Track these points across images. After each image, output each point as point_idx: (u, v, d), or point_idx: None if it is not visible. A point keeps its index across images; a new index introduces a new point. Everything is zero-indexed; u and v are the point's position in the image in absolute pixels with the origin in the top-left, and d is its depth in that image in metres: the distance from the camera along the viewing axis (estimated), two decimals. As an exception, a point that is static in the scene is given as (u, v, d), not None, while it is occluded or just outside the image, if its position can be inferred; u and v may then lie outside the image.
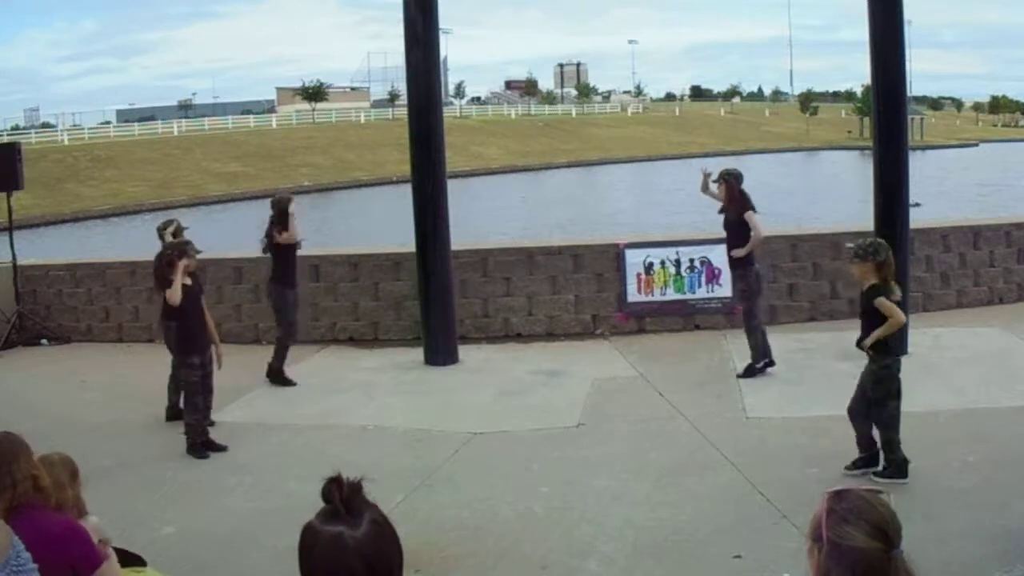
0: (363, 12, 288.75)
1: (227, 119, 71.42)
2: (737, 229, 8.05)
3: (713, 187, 8.40)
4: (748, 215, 7.97)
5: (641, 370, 8.52)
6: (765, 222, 8.35)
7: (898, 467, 5.59)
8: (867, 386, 5.74)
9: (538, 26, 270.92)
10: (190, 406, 6.94)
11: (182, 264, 6.79)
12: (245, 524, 5.52)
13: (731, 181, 8.11)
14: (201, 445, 6.86)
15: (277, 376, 8.61)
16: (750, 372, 8.12)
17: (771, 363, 8.17)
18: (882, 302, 5.59)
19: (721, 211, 8.28)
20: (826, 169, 60.06)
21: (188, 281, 6.90)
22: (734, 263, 8.15)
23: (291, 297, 8.68)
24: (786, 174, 50.86)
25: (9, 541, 2.54)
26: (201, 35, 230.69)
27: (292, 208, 8.46)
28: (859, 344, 5.75)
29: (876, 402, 5.69)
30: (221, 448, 6.90)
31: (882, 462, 5.69)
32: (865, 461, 5.79)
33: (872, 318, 5.65)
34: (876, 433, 5.74)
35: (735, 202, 8.08)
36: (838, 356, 8.61)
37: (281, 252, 8.52)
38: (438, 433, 7.09)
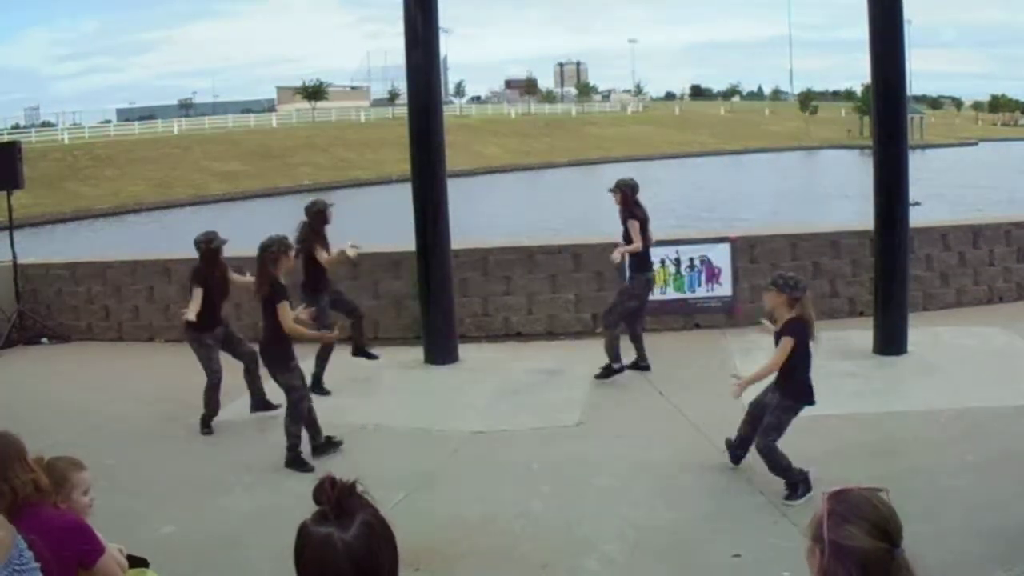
0: (363, 11, 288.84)
1: (227, 118, 71.47)
2: (627, 237, 8.15)
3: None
4: (630, 223, 8.07)
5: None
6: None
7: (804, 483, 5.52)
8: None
9: (538, 25, 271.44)
10: (298, 414, 6.47)
11: (288, 259, 6.43)
12: (245, 523, 5.53)
13: (625, 190, 8.20)
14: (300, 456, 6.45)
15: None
16: (607, 373, 8.17)
17: (622, 369, 8.20)
18: (785, 342, 5.46)
19: (623, 221, 8.31)
20: (811, 169, 60.10)
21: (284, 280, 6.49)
22: (630, 266, 8.25)
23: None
24: (759, 177, 50.69)
25: (12, 540, 2.54)
26: (201, 34, 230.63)
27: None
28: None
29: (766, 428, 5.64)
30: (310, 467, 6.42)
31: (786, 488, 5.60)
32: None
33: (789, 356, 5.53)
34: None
35: (625, 210, 8.18)
36: (838, 356, 8.61)
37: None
38: (438, 432, 7.09)
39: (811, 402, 5.62)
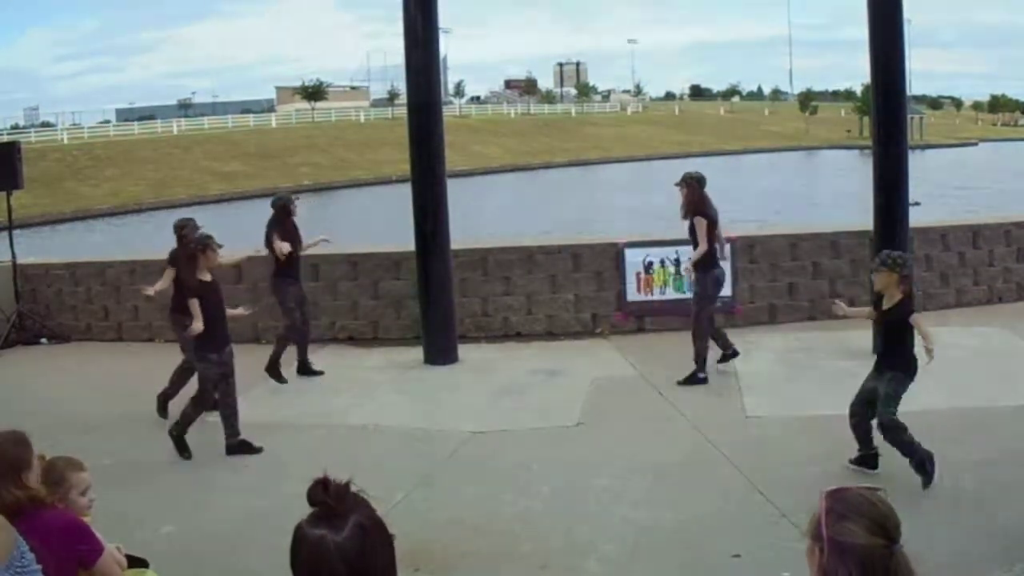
0: (362, 11, 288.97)
1: (227, 118, 71.47)
2: (693, 234, 7.95)
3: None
4: (696, 221, 7.81)
5: (640, 369, 8.52)
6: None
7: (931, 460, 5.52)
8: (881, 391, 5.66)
9: (538, 26, 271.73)
10: (200, 400, 6.75)
11: (206, 257, 6.67)
12: (244, 523, 5.52)
13: (693, 184, 7.91)
14: (181, 441, 6.78)
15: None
16: (692, 380, 7.96)
17: (705, 379, 8.02)
18: (919, 320, 5.61)
19: (684, 216, 8.04)
20: (810, 170, 60.04)
21: (208, 277, 6.74)
22: (695, 266, 7.99)
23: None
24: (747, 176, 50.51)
25: (13, 542, 2.54)
26: (201, 34, 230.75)
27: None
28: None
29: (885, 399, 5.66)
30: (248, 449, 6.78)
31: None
32: (862, 459, 5.82)
33: (903, 334, 5.63)
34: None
35: (690, 205, 7.91)
36: (838, 355, 8.62)
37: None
38: (438, 432, 7.09)
39: (916, 373, 5.67)
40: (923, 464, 5.48)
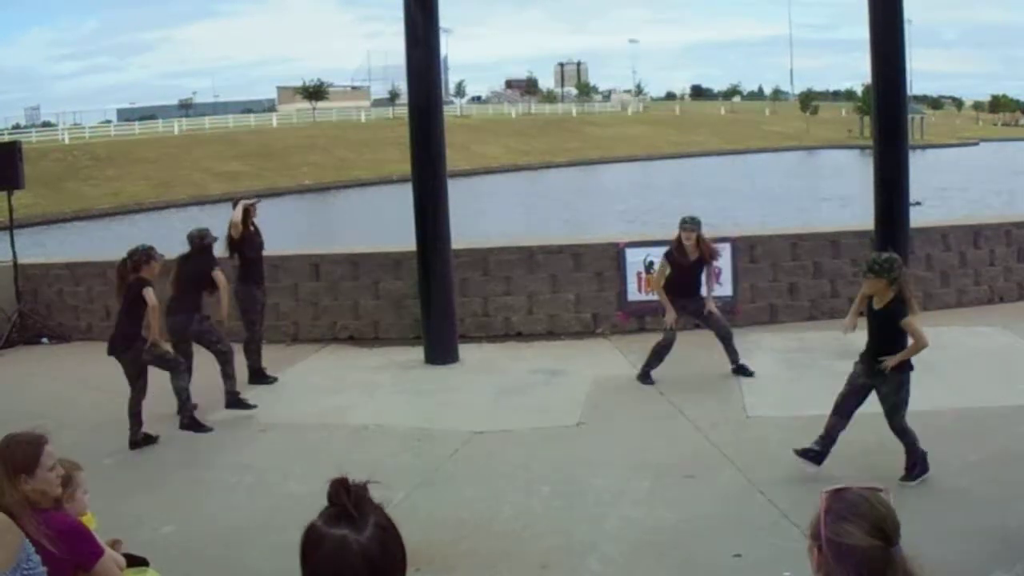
0: (363, 11, 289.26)
1: (228, 118, 71.50)
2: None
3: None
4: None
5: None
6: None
7: (924, 465, 5.63)
8: (884, 392, 5.68)
9: (538, 26, 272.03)
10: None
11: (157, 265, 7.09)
12: (245, 523, 5.53)
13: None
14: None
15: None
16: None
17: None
18: (910, 323, 5.56)
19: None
20: (812, 169, 60.02)
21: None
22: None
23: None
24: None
25: (20, 545, 2.54)
26: (201, 34, 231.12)
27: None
28: (880, 365, 5.66)
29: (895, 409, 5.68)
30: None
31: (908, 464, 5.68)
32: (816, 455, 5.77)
33: (894, 335, 5.62)
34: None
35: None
36: (838, 355, 8.59)
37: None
38: (438, 432, 7.09)
39: (912, 369, 5.69)
40: (915, 466, 5.58)
